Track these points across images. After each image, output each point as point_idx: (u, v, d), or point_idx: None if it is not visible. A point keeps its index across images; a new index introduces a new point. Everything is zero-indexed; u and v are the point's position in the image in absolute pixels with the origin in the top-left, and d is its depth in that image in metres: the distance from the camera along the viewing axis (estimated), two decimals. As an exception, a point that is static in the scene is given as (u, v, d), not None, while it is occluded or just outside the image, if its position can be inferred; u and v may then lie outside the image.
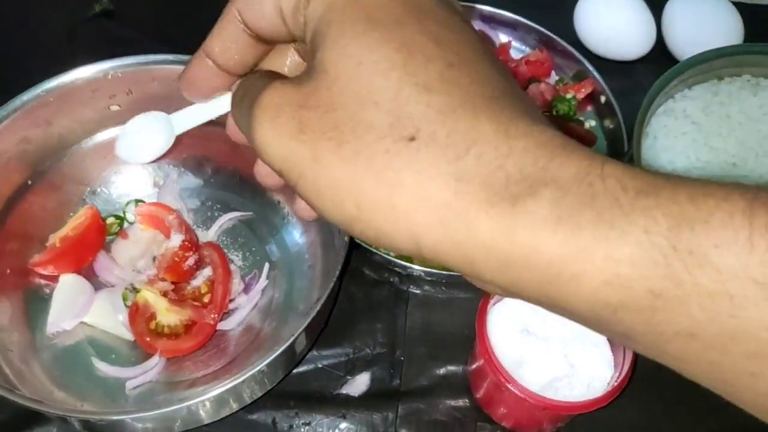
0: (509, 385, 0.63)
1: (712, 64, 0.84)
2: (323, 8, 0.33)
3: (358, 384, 0.75)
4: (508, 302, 0.71)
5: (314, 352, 0.76)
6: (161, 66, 0.74)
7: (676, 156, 0.78)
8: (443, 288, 0.82)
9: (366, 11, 0.32)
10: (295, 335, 0.61)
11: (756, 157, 0.78)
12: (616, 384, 0.64)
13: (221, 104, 0.46)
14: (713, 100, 0.83)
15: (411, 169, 0.29)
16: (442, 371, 0.76)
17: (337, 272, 0.63)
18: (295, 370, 0.75)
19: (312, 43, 0.33)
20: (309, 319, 0.62)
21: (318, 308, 0.62)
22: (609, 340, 0.69)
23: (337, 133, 0.30)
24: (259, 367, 0.60)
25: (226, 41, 0.39)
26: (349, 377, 0.75)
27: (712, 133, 0.80)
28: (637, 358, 0.65)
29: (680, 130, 0.80)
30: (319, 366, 0.76)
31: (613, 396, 0.64)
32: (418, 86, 0.30)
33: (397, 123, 0.30)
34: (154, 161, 0.52)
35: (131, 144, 0.50)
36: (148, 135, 0.50)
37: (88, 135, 0.78)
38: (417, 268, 0.78)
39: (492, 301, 0.69)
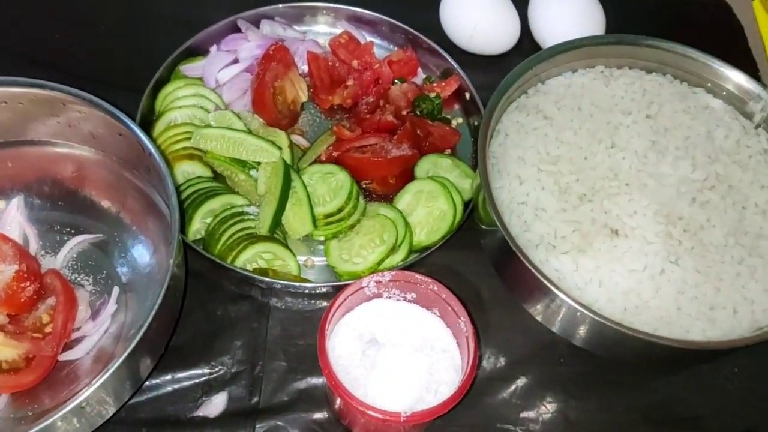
0: (350, 401, 0.62)
1: (564, 57, 0.84)
2: None
3: (215, 405, 0.73)
4: (358, 312, 0.70)
5: (168, 376, 0.74)
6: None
7: (527, 151, 0.78)
8: (305, 299, 0.80)
9: None
10: (117, 364, 0.59)
11: (605, 149, 0.78)
12: (458, 387, 0.63)
13: None
14: (566, 93, 0.83)
15: None
16: (301, 385, 0.75)
17: (162, 293, 0.61)
18: (149, 395, 0.73)
19: None
20: (131, 347, 0.60)
21: (143, 331, 0.60)
22: (458, 344, 0.68)
23: None
24: (84, 396, 0.58)
25: None
26: (205, 398, 0.73)
27: (564, 127, 0.80)
28: (476, 360, 0.64)
29: (532, 126, 0.80)
30: (175, 389, 0.74)
31: (458, 398, 0.63)
32: None
33: None
34: None
35: None
36: None
37: None
38: (278, 281, 0.77)
39: (338, 313, 0.67)
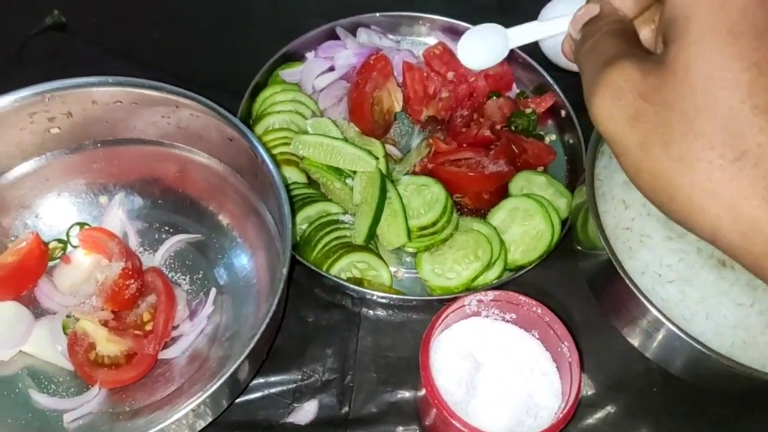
0: (453, 421, 0.61)
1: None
2: None
3: (306, 412, 0.73)
4: (455, 329, 0.69)
5: (261, 380, 0.74)
6: (101, 88, 0.72)
7: (631, 176, 0.76)
8: (396, 311, 0.80)
9: (730, 21, 0.33)
10: (232, 368, 0.60)
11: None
12: (563, 414, 0.62)
13: (556, 25, 0.48)
14: (671, 117, 0.81)
15: (729, 185, 0.32)
16: (392, 397, 0.75)
17: (275, 301, 0.61)
18: (240, 399, 0.73)
19: (667, 27, 0.36)
20: (247, 351, 0.60)
21: (257, 337, 0.60)
22: (558, 368, 0.67)
23: (668, 130, 0.34)
24: (197, 402, 0.59)
25: None
26: (296, 405, 0.73)
27: (669, 152, 0.78)
28: (580, 387, 0.63)
29: (636, 149, 0.78)
30: (266, 394, 0.74)
31: (562, 426, 0.62)
32: (756, 109, 0.32)
33: (728, 140, 0.32)
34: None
35: (470, 51, 0.53)
36: (485, 44, 0.56)
37: (28, 158, 0.76)
38: (370, 291, 0.77)
39: (438, 329, 0.67)
